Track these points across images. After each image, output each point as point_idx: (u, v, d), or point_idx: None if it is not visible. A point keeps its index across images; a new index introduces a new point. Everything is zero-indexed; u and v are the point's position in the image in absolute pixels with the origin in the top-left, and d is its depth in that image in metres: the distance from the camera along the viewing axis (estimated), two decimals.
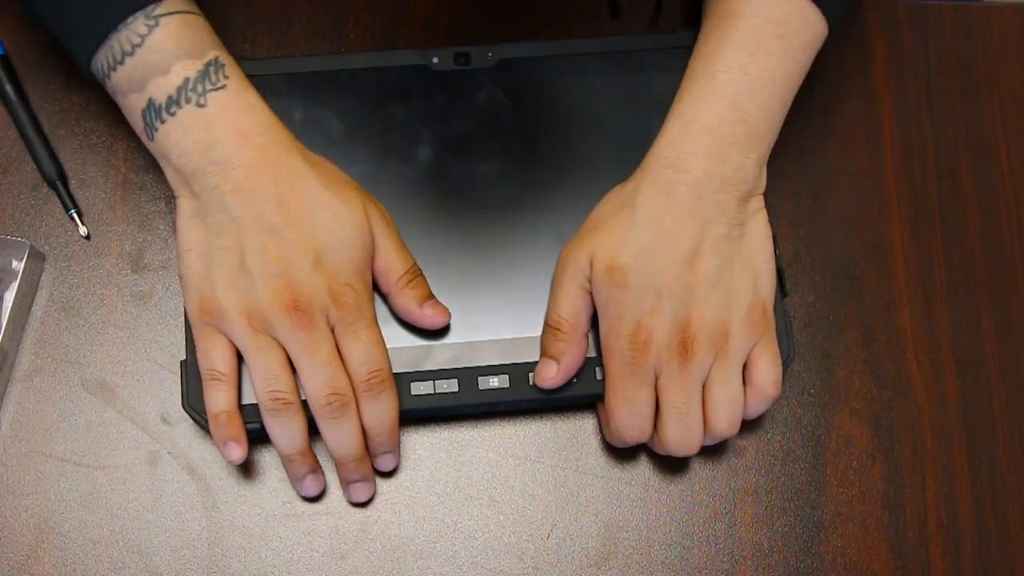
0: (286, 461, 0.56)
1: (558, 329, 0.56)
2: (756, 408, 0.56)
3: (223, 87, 0.54)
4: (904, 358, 0.63)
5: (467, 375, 0.57)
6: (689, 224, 0.53)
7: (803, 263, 0.64)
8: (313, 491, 0.58)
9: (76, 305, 0.62)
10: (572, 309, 0.56)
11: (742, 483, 0.60)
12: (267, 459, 0.60)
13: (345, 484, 0.58)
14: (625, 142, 0.60)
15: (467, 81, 0.61)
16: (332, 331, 0.54)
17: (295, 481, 0.58)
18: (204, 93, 0.53)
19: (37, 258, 0.62)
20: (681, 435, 0.54)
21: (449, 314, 0.57)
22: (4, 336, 0.59)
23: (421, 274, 0.57)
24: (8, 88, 0.64)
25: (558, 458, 0.60)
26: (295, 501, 0.59)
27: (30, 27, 0.66)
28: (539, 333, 0.58)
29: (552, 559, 0.59)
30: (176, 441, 0.60)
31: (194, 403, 0.56)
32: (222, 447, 0.55)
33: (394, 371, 0.56)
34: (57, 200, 0.63)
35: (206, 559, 0.58)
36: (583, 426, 0.61)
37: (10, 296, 0.60)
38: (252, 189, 0.53)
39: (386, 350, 0.55)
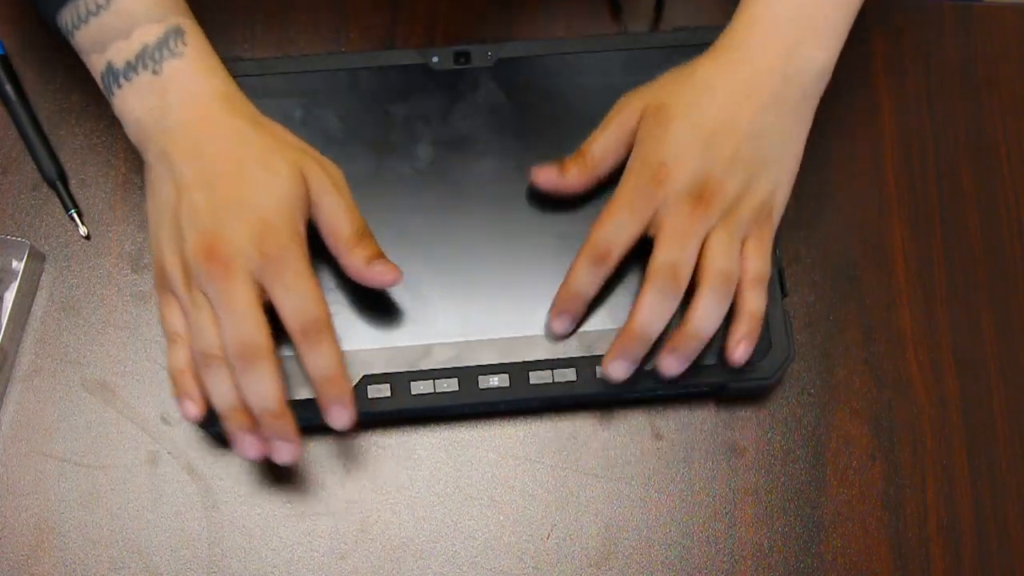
0: (220, 418, 0.54)
1: (583, 157, 0.58)
2: (752, 298, 0.55)
3: (180, 55, 0.54)
4: (904, 358, 0.63)
5: (467, 374, 0.57)
6: (741, 102, 0.55)
7: (803, 263, 0.64)
8: (250, 452, 0.54)
9: (76, 305, 0.62)
10: (604, 150, 0.57)
11: (742, 483, 0.60)
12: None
13: (266, 441, 0.55)
14: None
15: (467, 80, 0.61)
16: (261, 284, 0.53)
17: (231, 438, 0.54)
18: (160, 61, 0.54)
19: (37, 258, 0.62)
20: (671, 263, 0.54)
21: (400, 272, 0.55)
22: (4, 336, 0.59)
23: (370, 235, 0.56)
24: (8, 88, 0.64)
25: (558, 458, 0.60)
26: (295, 501, 0.59)
27: (30, 27, 0.66)
28: (539, 332, 0.58)
29: (552, 559, 0.59)
30: (176, 441, 0.60)
31: None
32: (179, 404, 0.54)
33: (394, 370, 0.57)
34: (57, 200, 0.63)
35: (206, 559, 0.58)
36: (583, 426, 0.61)
37: (10, 296, 0.60)
38: (196, 153, 0.53)
39: (321, 296, 0.53)
